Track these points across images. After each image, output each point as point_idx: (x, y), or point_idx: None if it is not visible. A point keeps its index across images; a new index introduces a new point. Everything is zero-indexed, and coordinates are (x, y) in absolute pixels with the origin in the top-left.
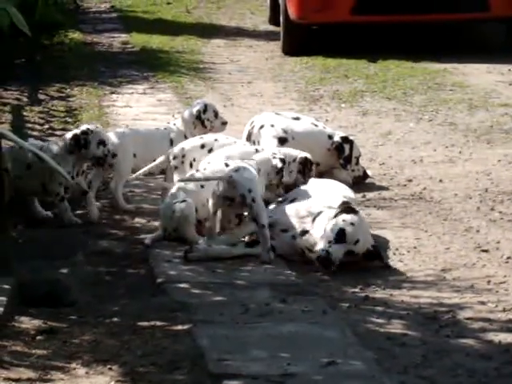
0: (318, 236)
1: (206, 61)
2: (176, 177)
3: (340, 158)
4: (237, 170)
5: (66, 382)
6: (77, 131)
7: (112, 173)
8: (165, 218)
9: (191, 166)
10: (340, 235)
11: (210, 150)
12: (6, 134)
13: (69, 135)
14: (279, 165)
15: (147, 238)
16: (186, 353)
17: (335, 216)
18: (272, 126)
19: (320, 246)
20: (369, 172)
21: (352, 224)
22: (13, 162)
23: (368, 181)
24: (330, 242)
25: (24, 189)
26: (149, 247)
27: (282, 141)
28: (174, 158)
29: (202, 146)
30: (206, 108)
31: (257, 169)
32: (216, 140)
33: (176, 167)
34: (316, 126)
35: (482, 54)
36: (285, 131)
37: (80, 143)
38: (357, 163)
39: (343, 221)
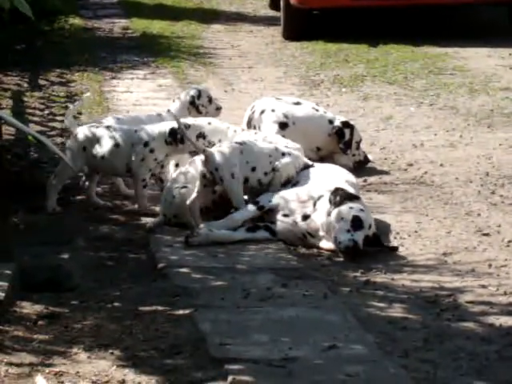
0: (320, 220)
1: (206, 46)
2: (172, 160)
3: (340, 142)
4: (214, 147)
5: (68, 367)
6: (174, 125)
7: None
8: (165, 204)
9: None
10: (357, 222)
11: (203, 133)
12: (6, 117)
13: (167, 127)
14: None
15: (147, 224)
16: (188, 337)
17: (339, 204)
18: (273, 110)
19: (341, 237)
20: (370, 156)
21: (362, 210)
22: (98, 141)
23: (369, 165)
24: (349, 231)
25: (107, 168)
26: (151, 231)
27: (283, 126)
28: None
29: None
30: (200, 94)
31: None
32: (209, 123)
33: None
34: (317, 110)
35: (483, 38)
36: (286, 116)
37: (177, 138)
38: (357, 148)
39: (351, 208)
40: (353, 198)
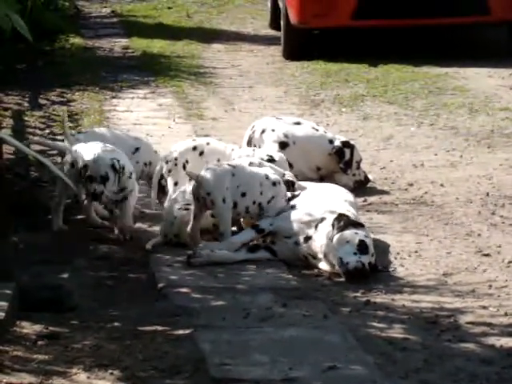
0: (321, 243)
1: (206, 65)
2: (170, 180)
3: (340, 162)
4: (208, 169)
5: None
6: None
7: None
8: (166, 224)
9: (184, 168)
10: (362, 247)
11: (202, 153)
12: (6, 138)
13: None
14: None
15: (148, 244)
16: (188, 357)
17: (342, 229)
18: (273, 130)
19: (347, 258)
20: (370, 176)
21: (366, 236)
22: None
23: (369, 185)
24: (356, 254)
25: None
26: (150, 252)
27: (283, 145)
28: (167, 161)
29: (194, 149)
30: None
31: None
32: (208, 144)
33: (170, 170)
34: (317, 130)
35: (483, 58)
36: (286, 136)
37: None
38: (358, 167)
39: (356, 233)
40: (357, 224)
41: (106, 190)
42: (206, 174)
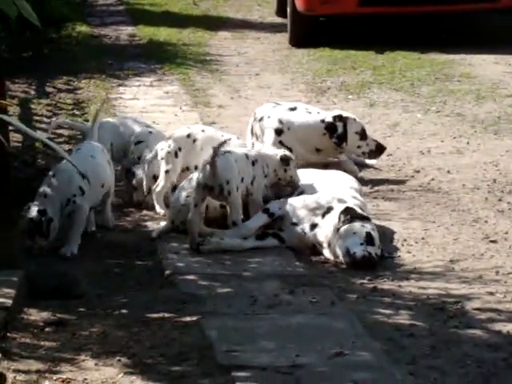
0: (325, 233)
1: (213, 53)
2: (163, 166)
3: (332, 137)
4: (221, 157)
5: (75, 374)
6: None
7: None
8: (173, 211)
9: (176, 155)
10: (369, 238)
11: (195, 141)
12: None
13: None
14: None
15: (154, 231)
16: (195, 344)
17: (349, 222)
18: (269, 117)
19: (355, 248)
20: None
21: (373, 229)
22: None
23: (376, 172)
24: (362, 244)
25: None
26: (156, 240)
27: (279, 132)
28: (162, 148)
29: (188, 136)
30: None
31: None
32: (203, 131)
33: (162, 158)
34: (310, 112)
35: (490, 45)
36: (280, 122)
37: None
38: (361, 138)
39: (363, 226)
40: (364, 218)
41: None
42: (222, 163)
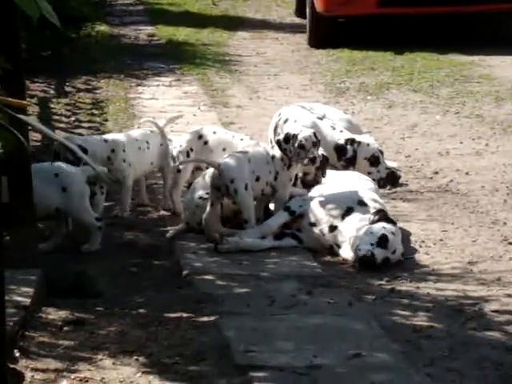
0: (348, 234)
1: (231, 53)
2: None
3: (340, 160)
4: (228, 157)
5: (93, 373)
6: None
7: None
8: (187, 213)
9: (188, 155)
10: (382, 240)
11: (206, 142)
12: (34, 123)
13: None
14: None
15: (170, 232)
16: (212, 344)
17: (374, 222)
18: (295, 121)
19: (362, 246)
20: (397, 171)
21: (393, 233)
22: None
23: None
24: (372, 245)
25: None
26: (172, 239)
27: None
28: (174, 147)
29: (200, 137)
30: None
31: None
32: (214, 132)
33: (173, 158)
34: (334, 129)
35: (509, 47)
36: None
37: None
38: (372, 165)
39: (383, 228)
40: (390, 221)
41: None
42: (228, 162)
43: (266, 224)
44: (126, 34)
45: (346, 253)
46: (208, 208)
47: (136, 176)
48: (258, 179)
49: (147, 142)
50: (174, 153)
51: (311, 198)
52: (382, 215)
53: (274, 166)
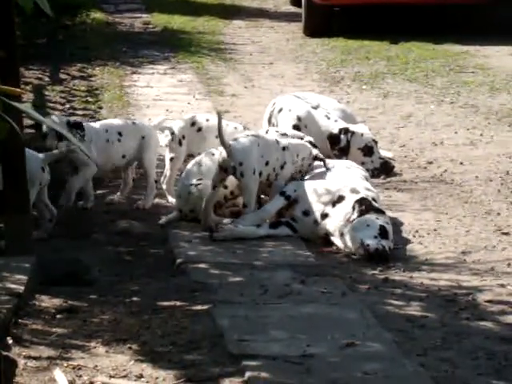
0: (338, 222)
1: (227, 41)
2: (167, 154)
3: (333, 149)
4: (238, 139)
5: (86, 361)
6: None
7: None
8: (180, 199)
9: (180, 143)
10: (383, 231)
11: (200, 129)
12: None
13: None
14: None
15: (163, 219)
16: (206, 333)
17: (363, 213)
18: (290, 110)
19: (368, 240)
20: (392, 160)
21: (387, 223)
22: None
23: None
24: (376, 237)
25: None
26: (164, 227)
27: (296, 128)
28: (166, 135)
29: (193, 124)
30: None
31: (291, 153)
32: (207, 120)
33: (167, 145)
34: (328, 118)
35: (505, 37)
36: (299, 119)
37: None
38: (366, 155)
39: (377, 218)
40: (378, 211)
41: None
42: (238, 144)
43: (264, 209)
44: (121, 22)
45: (339, 243)
46: (210, 190)
47: (104, 168)
48: (267, 163)
49: (119, 134)
50: (167, 141)
51: (304, 184)
52: (368, 204)
53: (284, 157)
